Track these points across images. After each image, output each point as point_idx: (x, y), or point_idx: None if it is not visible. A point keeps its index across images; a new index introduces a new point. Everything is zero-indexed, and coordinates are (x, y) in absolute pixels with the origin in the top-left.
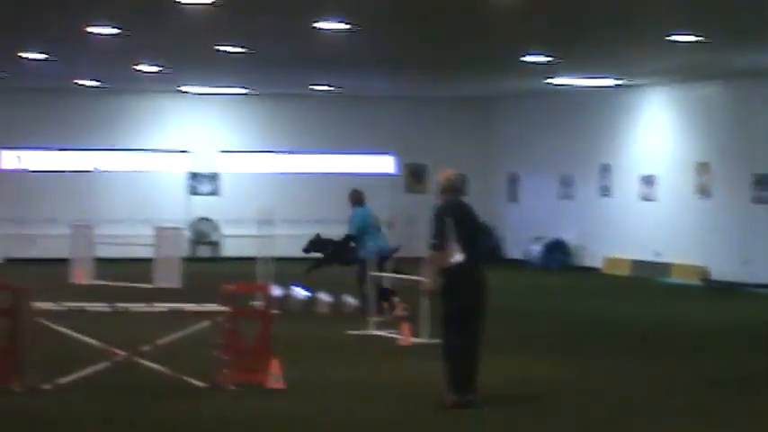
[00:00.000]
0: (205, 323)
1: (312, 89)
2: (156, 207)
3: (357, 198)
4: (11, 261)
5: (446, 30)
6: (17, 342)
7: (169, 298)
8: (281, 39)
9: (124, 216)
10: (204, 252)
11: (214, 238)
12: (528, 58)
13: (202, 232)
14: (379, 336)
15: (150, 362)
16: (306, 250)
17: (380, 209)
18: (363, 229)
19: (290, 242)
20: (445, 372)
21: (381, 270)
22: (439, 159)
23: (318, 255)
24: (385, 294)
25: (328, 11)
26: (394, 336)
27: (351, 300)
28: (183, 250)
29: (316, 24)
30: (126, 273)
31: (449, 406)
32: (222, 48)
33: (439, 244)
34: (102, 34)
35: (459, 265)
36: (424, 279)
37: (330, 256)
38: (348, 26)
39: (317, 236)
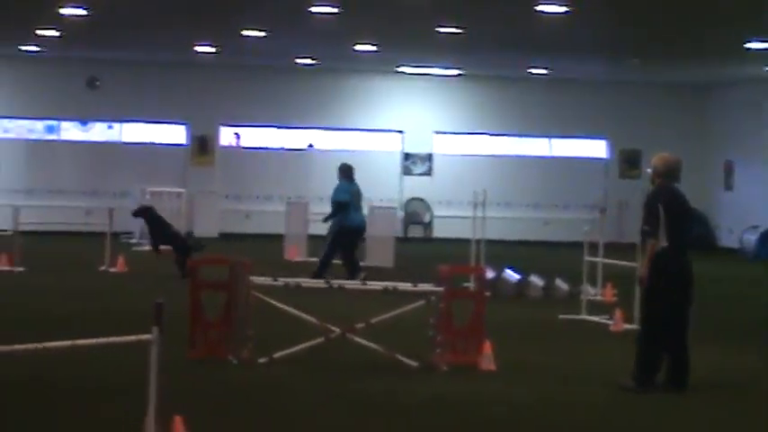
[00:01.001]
0: (419, 303)
1: (528, 72)
2: (370, 186)
3: (345, 172)
4: (225, 236)
5: (667, 15)
6: (234, 315)
7: (381, 277)
8: (499, 20)
9: None
10: (416, 232)
11: (426, 218)
12: (751, 45)
13: (415, 212)
14: (591, 321)
15: (364, 339)
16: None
17: (593, 193)
18: (344, 202)
19: (502, 225)
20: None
21: (353, 244)
22: (653, 145)
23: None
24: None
25: None
26: (606, 321)
27: (562, 284)
28: (396, 230)
29: (535, 7)
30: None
31: (624, 388)
32: (440, 28)
33: (651, 231)
34: (321, 13)
35: (663, 251)
36: (638, 266)
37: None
38: (567, 9)
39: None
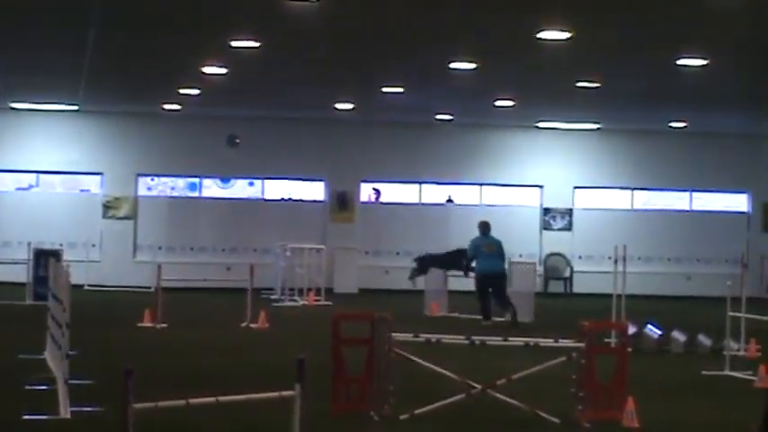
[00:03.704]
0: (560, 359)
1: (667, 125)
2: (509, 241)
3: (482, 228)
4: (364, 291)
5: None
6: (375, 371)
7: (522, 332)
8: (638, 74)
9: None
10: (556, 287)
11: (566, 273)
12: None
13: (555, 267)
14: (735, 377)
15: (505, 396)
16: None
17: (735, 248)
18: (474, 253)
19: (642, 279)
20: None
21: (487, 287)
22: None
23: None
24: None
25: (689, 46)
26: (750, 377)
27: (705, 339)
28: (536, 285)
29: (676, 60)
30: (476, 306)
31: None
32: (579, 83)
33: None
34: (460, 69)
35: None
36: None
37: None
38: (706, 62)
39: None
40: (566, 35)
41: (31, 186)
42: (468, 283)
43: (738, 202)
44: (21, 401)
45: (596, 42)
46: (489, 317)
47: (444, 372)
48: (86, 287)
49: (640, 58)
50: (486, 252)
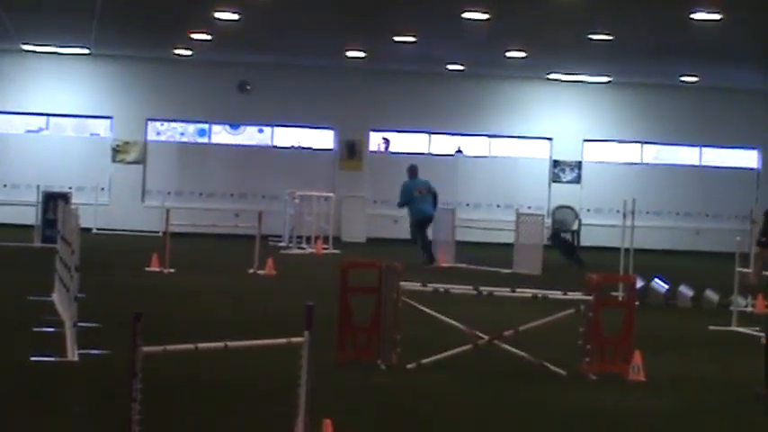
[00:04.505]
0: (568, 311)
1: (678, 80)
2: (518, 193)
3: (411, 172)
4: (372, 240)
5: None
6: (383, 320)
7: (529, 284)
8: (651, 27)
9: (485, 201)
10: None
11: (574, 226)
12: None
13: (563, 220)
14: (742, 332)
15: (512, 347)
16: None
17: (745, 203)
18: (408, 198)
19: (651, 234)
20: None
21: (423, 228)
22: None
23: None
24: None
25: (704, 1)
26: (757, 333)
27: (712, 295)
28: (544, 237)
29: (690, 14)
30: (486, 257)
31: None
32: (591, 35)
33: (764, 241)
34: (472, 19)
35: None
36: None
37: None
38: (720, 16)
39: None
40: None
41: (40, 129)
42: (475, 234)
43: (748, 159)
44: (28, 343)
45: None
46: (434, 259)
47: (452, 322)
48: (95, 231)
49: (654, 10)
50: (418, 196)
